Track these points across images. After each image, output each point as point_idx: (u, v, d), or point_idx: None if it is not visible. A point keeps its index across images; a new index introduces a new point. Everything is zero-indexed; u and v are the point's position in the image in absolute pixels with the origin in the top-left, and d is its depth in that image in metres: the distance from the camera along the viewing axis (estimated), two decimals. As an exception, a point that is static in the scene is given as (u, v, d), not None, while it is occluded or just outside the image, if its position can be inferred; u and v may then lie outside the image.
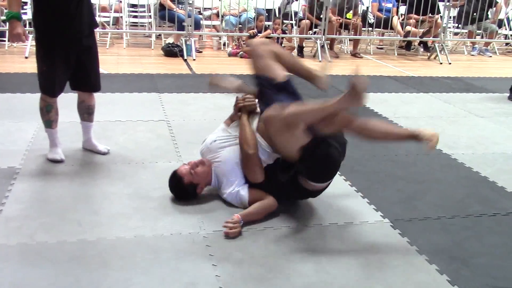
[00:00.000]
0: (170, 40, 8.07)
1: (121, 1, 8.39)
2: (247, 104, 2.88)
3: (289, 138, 2.53)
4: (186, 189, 2.84)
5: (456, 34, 10.05)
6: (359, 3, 8.76)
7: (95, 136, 3.60)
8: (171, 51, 7.52)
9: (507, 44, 10.39)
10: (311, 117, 2.50)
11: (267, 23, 8.22)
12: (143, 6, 8.57)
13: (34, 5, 3.15)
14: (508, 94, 5.92)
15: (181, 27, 7.76)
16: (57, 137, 3.41)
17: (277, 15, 8.89)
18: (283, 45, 8.19)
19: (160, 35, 8.81)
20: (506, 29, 9.98)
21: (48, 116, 3.34)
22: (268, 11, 8.68)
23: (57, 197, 2.86)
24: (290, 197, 2.88)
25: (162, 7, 7.97)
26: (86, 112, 3.52)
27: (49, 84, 3.25)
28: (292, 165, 2.68)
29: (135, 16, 8.62)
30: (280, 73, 2.80)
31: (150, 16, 8.56)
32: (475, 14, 9.02)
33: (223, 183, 2.85)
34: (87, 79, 3.39)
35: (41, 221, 2.59)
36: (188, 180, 2.81)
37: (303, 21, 8.24)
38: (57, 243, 2.40)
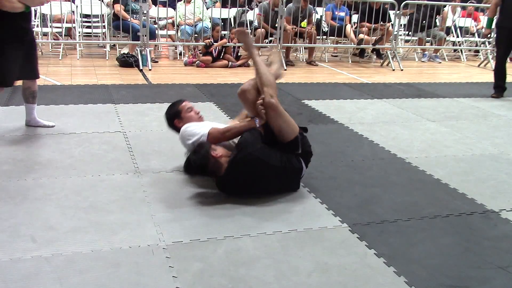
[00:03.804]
0: (125, 50, 7.98)
1: (73, 12, 8.24)
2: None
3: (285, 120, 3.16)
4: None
5: (407, 41, 10.36)
6: (313, 12, 8.91)
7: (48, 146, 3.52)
8: (126, 62, 7.43)
9: (455, 50, 10.78)
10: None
11: (223, 32, 8.25)
12: (96, 16, 8.44)
13: None
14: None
15: (136, 37, 7.68)
16: None
17: (232, 25, 8.94)
18: (239, 54, 8.22)
19: (114, 45, 8.70)
20: (453, 36, 10.36)
21: None
22: (224, 20, 8.71)
23: (9, 213, 2.77)
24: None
25: (116, 17, 7.88)
26: (31, 96, 4.16)
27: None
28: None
29: (89, 27, 8.48)
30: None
31: (104, 26, 8.44)
32: (424, 22, 9.33)
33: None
34: (32, 68, 4.03)
35: (-8, 239, 2.50)
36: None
37: (258, 30, 8.31)
38: (10, 261, 2.32)
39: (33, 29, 4.16)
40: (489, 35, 6.51)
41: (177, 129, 3.46)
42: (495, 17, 6.69)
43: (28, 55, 3.95)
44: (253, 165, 3.03)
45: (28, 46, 3.95)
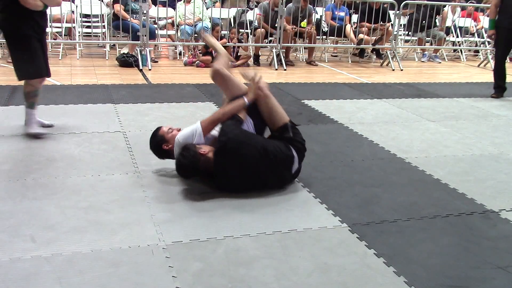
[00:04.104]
0: (125, 50, 7.98)
1: (73, 11, 8.23)
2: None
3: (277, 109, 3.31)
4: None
5: (406, 41, 10.36)
6: (313, 12, 8.90)
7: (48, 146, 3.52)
8: (126, 61, 7.42)
9: (455, 50, 10.78)
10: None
11: (223, 32, 8.25)
12: (96, 16, 8.44)
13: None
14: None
15: (135, 37, 7.68)
16: (36, 116, 4.08)
17: (232, 25, 8.93)
18: (239, 54, 8.22)
19: (114, 45, 8.70)
20: (453, 36, 10.36)
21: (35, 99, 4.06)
22: (224, 20, 8.71)
23: (9, 213, 2.77)
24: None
25: (116, 17, 7.88)
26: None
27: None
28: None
29: (88, 27, 8.48)
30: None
31: (104, 26, 8.44)
32: (424, 22, 9.33)
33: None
34: (46, 66, 4.07)
35: (-8, 239, 2.50)
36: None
37: (258, 30, 8.31)
38: (10, 261, 2.32)
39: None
40: (493, 36, 6.54)
41: (167, 153, 3.39)
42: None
43: (43, 53, 4.04)
44: (237, 149, 3.07)
45: (44, 44, 4.05)
